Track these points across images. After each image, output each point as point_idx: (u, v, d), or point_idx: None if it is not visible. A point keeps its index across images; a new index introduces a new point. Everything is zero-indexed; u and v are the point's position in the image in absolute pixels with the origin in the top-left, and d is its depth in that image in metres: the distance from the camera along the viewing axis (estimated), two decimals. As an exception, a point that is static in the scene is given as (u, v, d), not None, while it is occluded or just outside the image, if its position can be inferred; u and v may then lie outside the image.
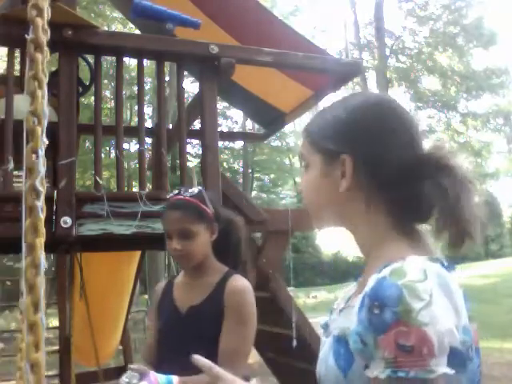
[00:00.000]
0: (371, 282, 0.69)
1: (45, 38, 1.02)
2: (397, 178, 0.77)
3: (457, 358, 0.65)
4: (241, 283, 1.59)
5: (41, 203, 0.92)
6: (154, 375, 1.29)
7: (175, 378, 1.32)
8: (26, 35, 1.01)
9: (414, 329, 0.62)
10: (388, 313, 0.64)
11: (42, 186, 0.94)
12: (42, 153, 0.96)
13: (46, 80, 1.01)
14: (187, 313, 1.59)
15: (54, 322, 5.56)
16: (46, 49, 1.03)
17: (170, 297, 1.68)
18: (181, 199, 1.63)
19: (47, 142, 1.00)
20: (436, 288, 0.65)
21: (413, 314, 0.63)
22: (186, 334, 1.56)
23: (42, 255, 0.89)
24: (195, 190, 1.67)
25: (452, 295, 0.67)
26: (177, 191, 1.68)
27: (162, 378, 1.30)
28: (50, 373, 4.87)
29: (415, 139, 0.80)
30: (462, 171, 0.75)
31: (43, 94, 1.00)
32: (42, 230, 0.92)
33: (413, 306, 0.63)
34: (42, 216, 0.93)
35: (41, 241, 0.90)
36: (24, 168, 0.95)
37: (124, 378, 1.26)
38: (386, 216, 0.79)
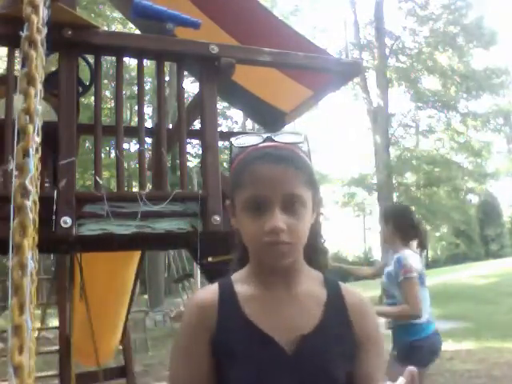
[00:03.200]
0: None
1: (39, 36, 1.00)
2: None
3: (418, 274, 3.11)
4: (363, 297, 1.08)
5: (30, 203, 0.89)
6: None
7: None
8: (21, 32, 1.00)
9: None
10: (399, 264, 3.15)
11: (32, 186, 0.92)
12: (32, 152, 0.93)
13: (39, 78, 0.99)
14: (298, 347, 0.95)
15: (54, 322, 5.56)
16: (40, 46, 1.01)
17: (243, 319, 0.97)
18: (287, 148, 0.98)
19: (39, 141, 0.98)
20: (410, 256, 3.15)
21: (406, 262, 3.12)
22: (304, 381, 0.94)
23: (29, 256, 0.86)
24: (297, 137, 1.02)
25: (415, 259, 3.17)
26: (267, 134, 1.00)
27: None
28: (50, 373, 4.88)
29: None
30: None
31: (36, 92, 0.97)
32: (31, 230, 0.89)
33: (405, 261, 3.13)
34: (31, 216, 0.90)
35: (29, 241, 0.87)
36: (14, 167, 0.92)
37: None
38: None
